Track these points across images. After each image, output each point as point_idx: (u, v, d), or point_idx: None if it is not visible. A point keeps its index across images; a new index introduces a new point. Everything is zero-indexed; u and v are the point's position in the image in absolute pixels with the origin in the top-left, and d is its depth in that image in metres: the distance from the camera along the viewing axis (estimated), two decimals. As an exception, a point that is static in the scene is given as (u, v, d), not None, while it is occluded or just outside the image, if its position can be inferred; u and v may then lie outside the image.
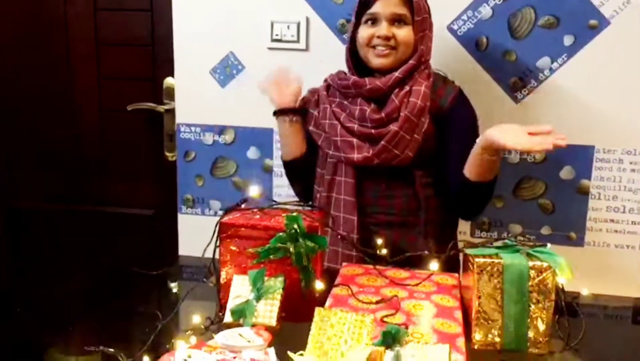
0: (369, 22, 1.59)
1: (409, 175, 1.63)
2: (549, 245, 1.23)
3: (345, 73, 1.69)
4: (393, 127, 1.56)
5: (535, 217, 2.04)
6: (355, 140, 1.60)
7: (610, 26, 1.88)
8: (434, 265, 1.34)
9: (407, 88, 1.59)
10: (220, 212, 2.17)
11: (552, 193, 2.02)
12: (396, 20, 1.57)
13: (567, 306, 1.21)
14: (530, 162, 2.01)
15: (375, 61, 1.60)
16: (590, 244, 2.03)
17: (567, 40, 1.92)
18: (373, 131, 1.58)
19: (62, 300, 1.47)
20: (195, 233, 2.20)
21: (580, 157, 1.98)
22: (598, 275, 1.94)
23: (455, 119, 1.63)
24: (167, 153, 2.37)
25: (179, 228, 2.27)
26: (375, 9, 1.57)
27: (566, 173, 2.00)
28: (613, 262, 2.01)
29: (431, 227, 1.63)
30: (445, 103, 1.63)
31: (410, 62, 1.59)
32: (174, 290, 1.64)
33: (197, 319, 1.24)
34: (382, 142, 1.56)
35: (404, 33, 1.57)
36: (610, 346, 1.29)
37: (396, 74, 1.57)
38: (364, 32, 1.59)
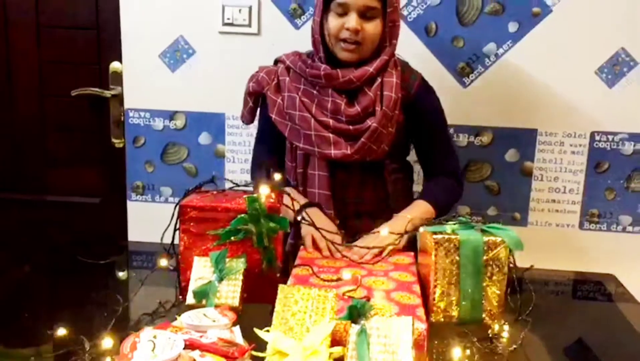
0: (338, 13, 1.51)
1: (380, 166, 1.62)
2: (500, 222, 1.29)
3: (306, 56, 1.62)
4: (372, 123, 1.53)
5: (482, 199, 2.11)
6: (331, 136, 1.55)
7: (552, 13, 1.97)
8: (384, 231, 1.41)
9: (378, 80, 1.56)
10: (172, 199, 2.17)
11: (497, 175, 2.10)
12: (366, 12, 1.50)
13: (517, 281, 1.27)
14: (477, 145, 2.08)
15: (342, 54, 1.54)
16: (533, 223, 2.12)
17: (512, 27, 1.99)
18: (351, 127, 1.54)
19: (3, 292, 1.41)
20: (145, 220, 2.18)
21: (524, 139, 2.06)
22: (541, 253, 2.02)
23: (422, 106, 1.63)
24: (114, 140, 2.30)
25: (128, 216, 2.23)
26: None
27: (511, 155, 2.08)
28: (554, 240, 2.11)
29: (397, 212, 1.60)
30: (411, 89, 1.62)
31: (383, 57, 1.55)
32: (124, 275, 1.60)
33: (156, 302, 1.23)
34: (362, 139, 1.53)
35: (372, 28, 1.51)
36: (556, 317, 1.36)
37: (370, 69, 1.53)
38: (333, 22, 1.52)
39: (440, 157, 1.69)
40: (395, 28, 1.57)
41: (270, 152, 1.70)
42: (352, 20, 1.49)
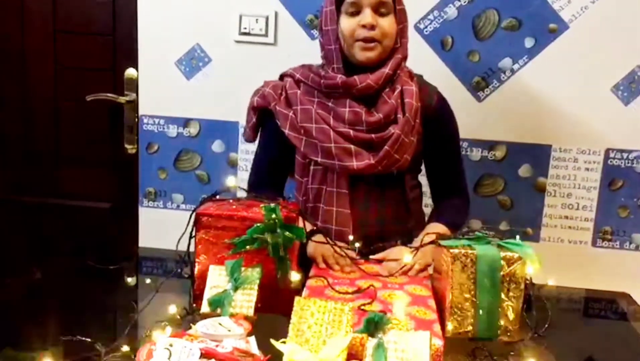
0: (350, 12, 1.47)
1: (400, 182, 1.57)
2: (517, 237, 1.28)
3: (316, 68, 1.58)
4: (395, 131, 1.47)
5: (495, 213, 2.10)
6: (352, 147, 1.48)
7: (568, 30, 1.97)
8: (407, 258, 1.36)
9: (398, 87, 1.51)
10: (183, 206, 2.17)
11: (510, 190, 2.09)
12: (379, 7, 1.46)
13: (533, 297, 1.26)
14: (490, 160, 2.07)
15: (361, 55, 1.48)
16: (546, 239, 2.10)
17: (528, 43, 1.99)
18: (374, 136, 1.48)
19: (14, 296, 1.41)
20: (156, 227, 2.18)
21: (538, 155, 2.06)
22: (553, 269, 2.01)
23: (442, 120, 1.60)
24: (127, 146, 2.31)
25: (140, 222, 2.23)
26: None
27: (524, 171, 2.07)
28: (567, 257, 2.09)
29: (417, 231, 1.56)
30: (432, 101, 1.58)
31: (397, 56, 1.51)
32: (136, 282, 1.60)
33: (172, 310, 1.23)
34: (386, 148, 1.47)
35: (388, 23, 1.47)
36: (570, 334, 1.35)
37: (386, 70, 1.48)
38: (346, 23, 1.47)
39: (454, 175, 1.67)
40: (404, 27, 1.54)
41: (272, 181, 1.64)
42: (367, 16, 1.45)
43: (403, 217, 1.59)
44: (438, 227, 1.52)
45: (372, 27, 1.46)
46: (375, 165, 1.48)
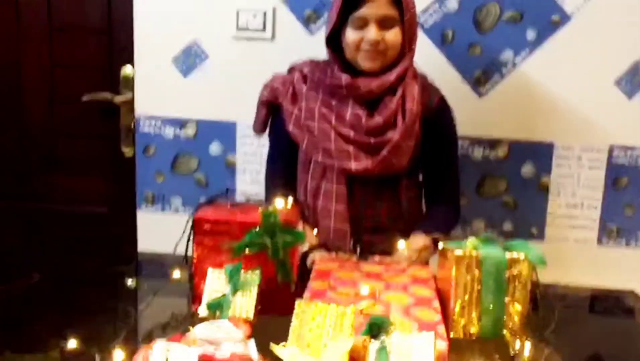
0: (357, 25, 1.48)
1: (396, 182, 1.59)
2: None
3: (324, 64, 1.59)
4: (394, 136, 1.50)
5: (498, 213, 2.07)
6: (351, 149, 1.51)
7: (571, 22, 1.93)
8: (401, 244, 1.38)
9: (399, 91, 1.52)
10: (182, 209, 2.14)
11: (513, 189, 2.06)
12: (385, 22, 1.47)
13: (539, 297, 1.23)
14: (492, 160, 2.04)
15: (364, 64, 1.50)
16: (551, 239, 2.07)
17: (530, 35, 1.95)
18: (372, 140, 1.51)
19: (12, 300, 1.39)
20: (154, 231, 2.15)
21: (540, 153, 2.02)
22: (558, 268, 1.98)
23: (441, 123, 1.61)
24: (124, 149, 2.25)
25: (138, 226, 2.20)
26: (364, 12, 1.46)
27: (527, 170, 2.04)
28: (572, 256, 2.06)
29: (413, 229, 1.58)
30: (432, 103, 1.58)
31: (403, 64, 1.52)
32: (134, 287, 1.57)
33: (168, 314, 1.20)
34: (384, 153, 1.50)
35: (393, 36, 1.48)
36: (577, 333, 1.32)
37: (391, 78, 1.50)
38: (352, 35, 1.48)
39: (446, 180, 1.67)
40: (414, 34, 1.54)
41: (286, 172, 1.65)
42: (372, 32, 1.46)
43: (397, 215, 1.60)
44: (421, 239, 1.53)
45: (376, 44, 1.47)
46: (373, 169, 1.51)
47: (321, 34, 1.92)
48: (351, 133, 1.51)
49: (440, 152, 1.63)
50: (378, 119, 1.51)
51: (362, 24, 1.47)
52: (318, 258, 1.43)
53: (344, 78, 1.50)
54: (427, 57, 1.93)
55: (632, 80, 1.95)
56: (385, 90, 1.51)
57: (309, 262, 1.45)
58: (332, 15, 1.51)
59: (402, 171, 1.56)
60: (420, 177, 1.69)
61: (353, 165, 1.51)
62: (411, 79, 1.55)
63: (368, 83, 1.50)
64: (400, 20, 1.49)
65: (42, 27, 2.26)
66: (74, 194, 2.36)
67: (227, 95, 2.07)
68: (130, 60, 2.12)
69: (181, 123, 2.12)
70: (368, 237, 1.57)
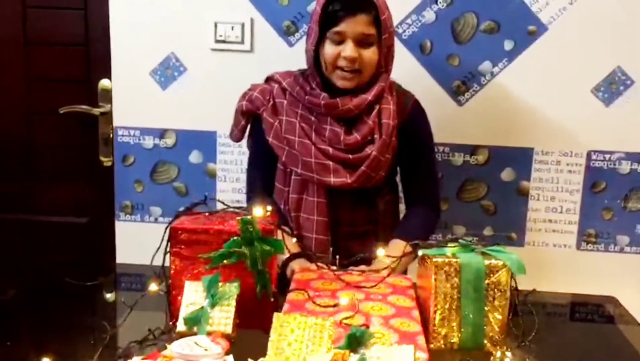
0: (335, 41, 1.49)
1: (374, 190, 1.62)
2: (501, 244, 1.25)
3: (302, 78, 1.59)
4: (371, 152, 1.53)
5: (478, 218, 2.08)
6: (331, 164, 1.53)
7: (547, 32, 1.96)
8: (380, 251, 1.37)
9: (376, 107, 1.55)
10: (161, 219, 2.12)
11: (493, 194, 2.07)
12: (363, 40, 1.48)
13: (519, 304, 1.23)
14: (473, 164, 2.05)
15: (340, 82, 1.52)
16: (530, 244, 2.09)
17: (508, 45, 1.97)
18: (351, 157, 1.53)
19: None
20: (134, 241, 2.13)
21: (520, 159, 2.04)
22: (538, 274, 1.99)
23: (414, 128, 1.63)
24: (103, 158, 2.25)
25: (117, 236, 2.18)
26: (343, 28, 1.47)
27: (507, 175, 2.06)
28: (552, 261, 2.07)
29: (389, 231, 1.63)
30: (406, 107, 1.61)
31: (380, 84, 1.54)
32: (112, 301, 1.55)
33: (145, 328, 1.18)
34: (362, 168, 1.53)
35: (369, 55, 1.50)
36: (558, 341, 1.32)
37: (368, 97, 1.52)
38: (329, 50, 1.50)
39: (423, 182, 1.69)
40: (391, 54, 1.56)
41: (267, 177, 1.66)
42: (349, 49, 1.48)
43: (374, 219, 1.64)
44: (399, 244, 1.53)
45: (353, 60, 1.48)
46: (352, 183, 1.54)
47: (300, 46, 1.94)
48: (330, 150, 1.53)
49: (417, 155, 1.65)
50: (356, 136, 1.53)
51: (340, 40, 1.49)
52: (297, 268, 1.42)
53: (322, 97, 1.52)
54: (406, 68, 1.95)
55: (609, 87, 1.98)
56: (364, 109, 1.53)
57: (288, 271, 1.45)
58: (314, 28, 1.51)
59: (379, 183, 1.59)
60: (398, 179, 1.72)
61: (332, 180, 1.53)
62: (387, 94, 1.57)
63: (347, 102, 1.52)
64: (378, 40, 1.50)
65: (17, 41, 2.24)
66: (53, 205, 2.34)
67: (207, 106, 2.06)
68: (107, 72, 2.11)
69: (160, 133, 2.11)
70: (345, 243, 1.59)
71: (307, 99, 1.55)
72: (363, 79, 1.53)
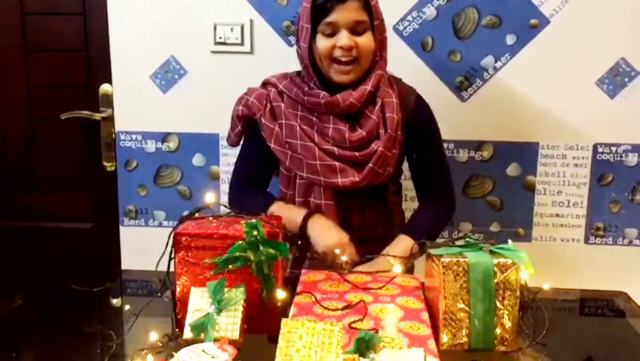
0: (327, 33, 1.45)
1: (382, 189, 1.59)
2: (510, 241, 1.23)
3: (298, 79, 1.56)
4: (378, 147, 1.48)
5: (485, 215, 2.07)
6: (337, 164, 1.49)
7: (550, 25, 1.93)
8: (397, 268, 1.32)
9: (379, 101, 1.51)
10: (166, 223, 2.12)
11: (499, 190, 2.05)
12: (356, 27, 1.45)
13: (529, 302, 1.21)
14: (478, 160, 2.03)
15: (338, 78, 1.48)
16: (538, 239, 2.07)
17: (510, 40, 1.95)
18: (357, 154, 1.49)
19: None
20: (138, 246, 2.12)
21: (526, 153, 2.02)
22: (546, 269, 1.97)
23: (419, 122, 1.59)
24: (105, 163, 2.25)
25: (121, 241, 2.17)
26: (334, 17, 1.43)
27: (513, 170, 2.04)
28: (560, 255, 2.06)
29: (397, 235, 1.59)
30: (409, 102, 1.57)
31: (378, 72, 1.50)
32: (118, 307, 1.54)
33: (153, 336, 1.17)
34: (370, 165, 1.48)
35: (365, 41, 1.46)
36: (569, 338, 1.31)
37: (368, 87, 1.48)
38: (323, 43, 1.46)
39: (435, 176, 1.66)
40: (384, 40, 1.52)
41: (255, 178, 1.65)
42: (343, 38, 1.44)
43: (384, 221, 1.61)
44: (404, 242, 1.53)
45: (349, 49, 1.44)
46: (360, 182, 1.50)
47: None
48: (335, 150, 1.49)
49: (426, 149, 1.63)
50: (361, 132, 1.49)
51: (333, 31, 1.45)
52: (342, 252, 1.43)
53: (322, 95, 1.48)
54: (408, 65, 1.93)
55: (614, 79, 1.96)
56: (365, 101, 1.49)
57: (322, 242, 1.47)
58: (304, 24, 1.48)
59: (387, 180, 1.56)
60: (402, 180, 1.70)
61: (340, 181, 1.49)
62: (388, 87, 1.54)
63: (347, 97, 1.48)
64: (371, 26, 1.47)
65: (17, 49, 2.24)
66: (57, 211, 2.34)
67: (209, 108, 2.05)
68: (108, 77, 2.10)
69: (163, 137, 2.10)
70: (355, 246, 1.53)
71: (306, 100, 1.50)
72: (362, 69, 1.49)
